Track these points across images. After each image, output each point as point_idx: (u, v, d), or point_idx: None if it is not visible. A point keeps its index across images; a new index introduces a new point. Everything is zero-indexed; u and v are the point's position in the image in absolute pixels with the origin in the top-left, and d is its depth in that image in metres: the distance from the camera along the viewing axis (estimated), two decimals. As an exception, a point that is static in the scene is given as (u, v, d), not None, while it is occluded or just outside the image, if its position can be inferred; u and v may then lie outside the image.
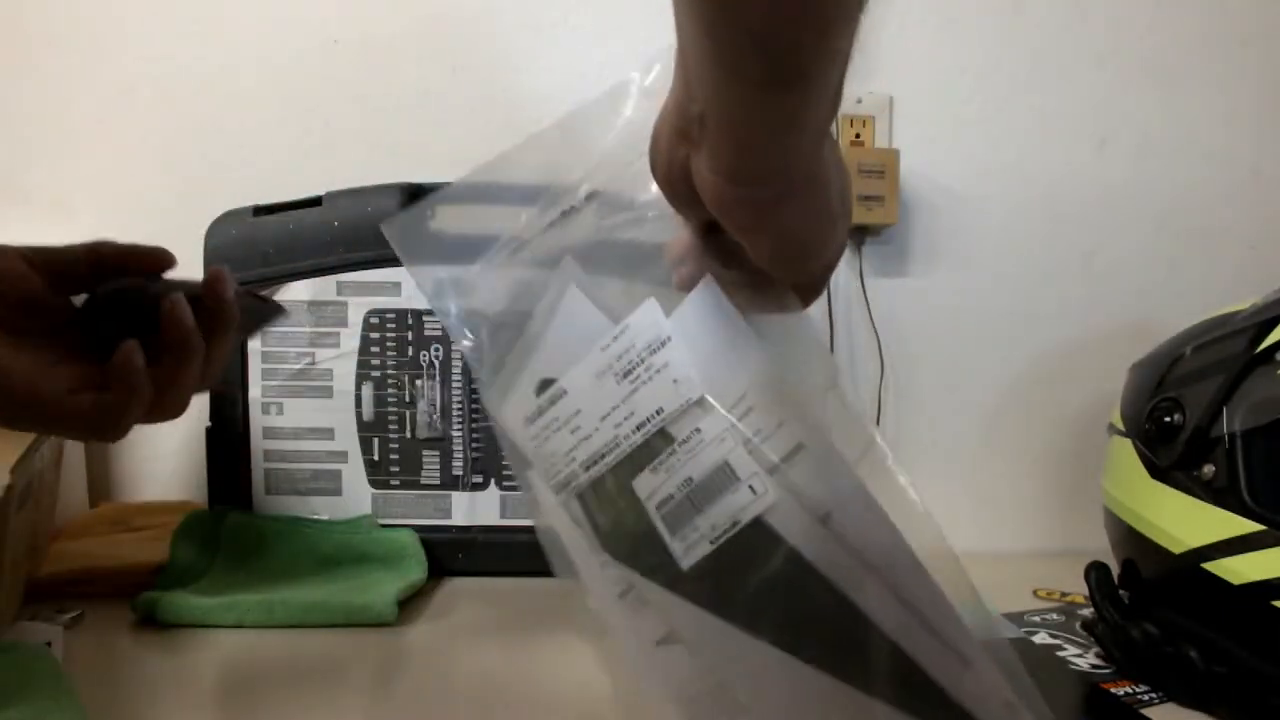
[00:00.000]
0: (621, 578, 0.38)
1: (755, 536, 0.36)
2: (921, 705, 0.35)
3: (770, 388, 0.38)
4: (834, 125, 0.94)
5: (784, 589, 0.36)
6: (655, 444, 0.38)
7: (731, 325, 0.38)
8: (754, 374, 0.38)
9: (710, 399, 0.37)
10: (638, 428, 0.38)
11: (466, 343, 0.43)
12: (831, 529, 0.36)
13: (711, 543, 0.37)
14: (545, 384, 0.41)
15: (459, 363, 0.78)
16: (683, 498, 0.37)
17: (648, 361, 0.38)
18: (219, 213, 0.77)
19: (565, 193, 0.43)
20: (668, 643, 0.38)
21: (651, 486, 0.38)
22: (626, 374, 0.39)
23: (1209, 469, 0.54)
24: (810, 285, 0.39)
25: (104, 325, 0.44)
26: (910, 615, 0.36)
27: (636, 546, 0.38)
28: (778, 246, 0.35)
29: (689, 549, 0.37)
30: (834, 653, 0.36)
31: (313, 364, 0.78)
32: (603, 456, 0.39)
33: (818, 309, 0.94)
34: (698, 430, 0.37)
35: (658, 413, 0.38)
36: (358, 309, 0.77)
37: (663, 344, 0.38)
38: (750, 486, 0.36)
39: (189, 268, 0.78)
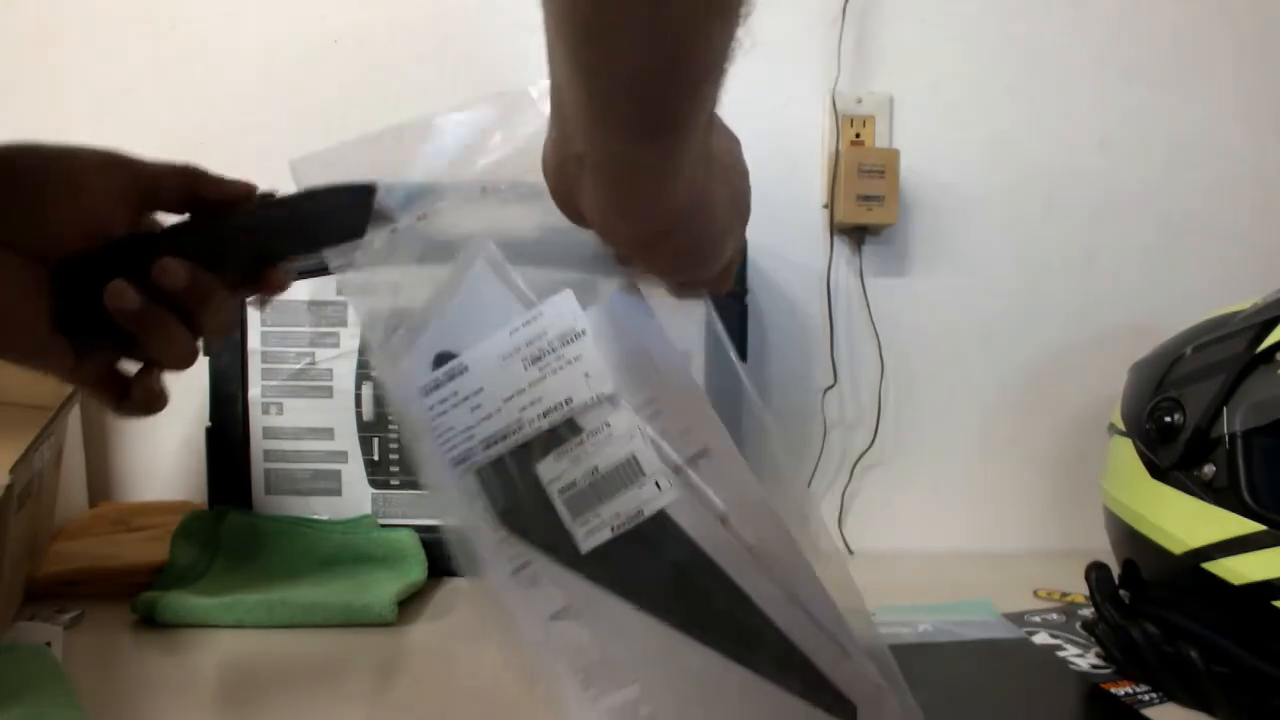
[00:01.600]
0: (517, 554, 0.39)
1: (656, 528, 0.38)
2: (802, 685, 0.38)
3: (679, 393, 0.39)
4: (838, 128, 0.91)
5: (680, 575, 0.38)
6: (561, 432, 0.39)
7: (645, 329, 0.40)
8: (665, 379, 0.39)
9: (621, 398, 0.38)
10: (544, 414, 0.39)
11: (365, 304, 0.42)
12: (730, 530, 0.38)
13: (613, 530, 0.38)
14: (443, 357, 0.40)
15: (459, 363, 0.78)
16: (587, 486, 0.38)
17: (560, 352, 0.39)
18: (219, 213, 0.77)
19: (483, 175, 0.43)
20: (561, 618, 0.39)
21: (555, 471, 0.39)
22: (536, 360, 0.39)
23: (1209, 469, 0.54)
24: (715, 281, 0.40)
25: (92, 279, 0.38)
26: (797, 609, 0.38)
27: (536, 525, 0.39)
28: (670, 266, 0.37)
29: (590, 534, 0.38)
30: (725, 634, 0.38)
31: (313, 364, 0.78)
32: (505, 437, 0.39)
33: (818, 309, 0.94)
34: (607, 425, 0.38)
35: (566, 402, 0.38)
36: (358, 309, 0.77)
37: (576, 336, 0.39)
38: (656, 483, 0.38)
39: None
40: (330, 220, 0.43)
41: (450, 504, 0.41)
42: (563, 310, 0.39)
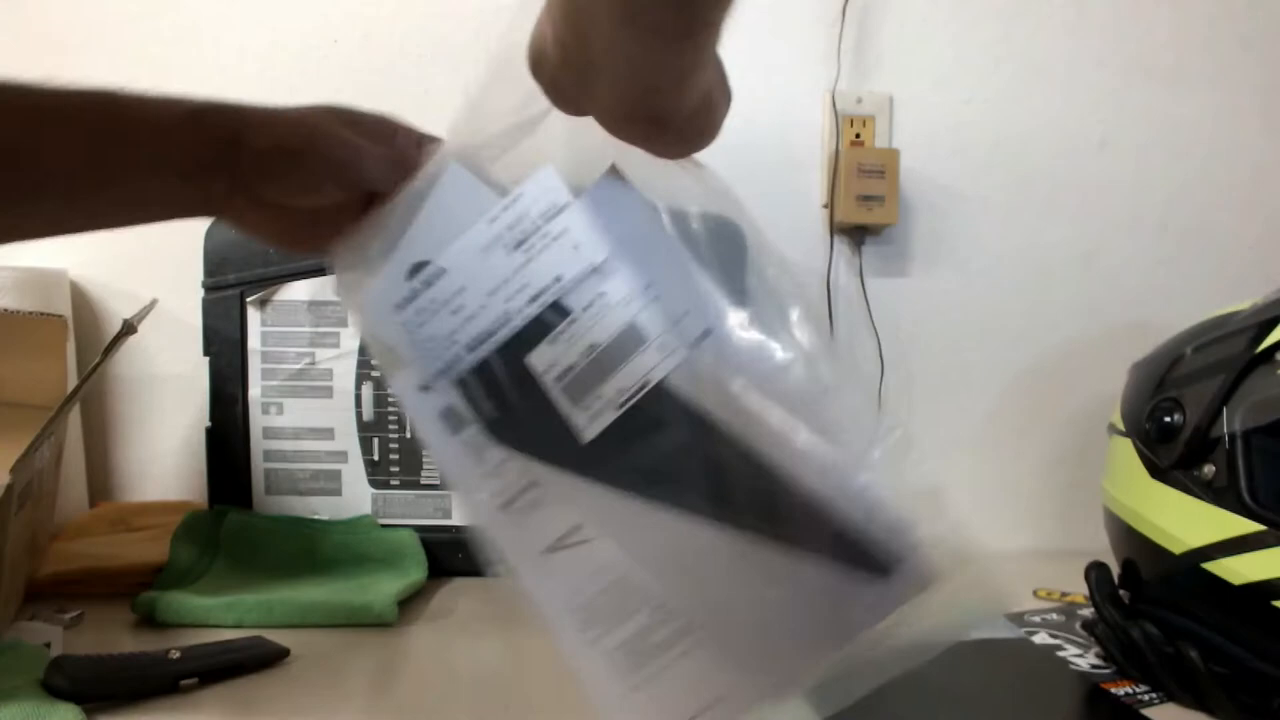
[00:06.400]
0: (506, 485, 0.37)
1: (663, 402, 0.35)
2: (834, 548, 0.35)
3: (678, 275, 0.36)
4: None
5: (694, 447, 0.35)
6: (549, 317, 0.36)
7: (633, 213, 0.37)
8: (660, 262, 0.36)
9: (616, 266, 0.36)
10: (533, 299, 0.36)
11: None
12: (745, 397, 0.35)
13: (618, 408, 0.35)
14: (418, 267, 0.38)
15: (459, 363, 0.78)
16: (585, 365, 0.36)
17: (544, 229, 0.36)
18: (219, 213, 0.77)
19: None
20: (564, 545, 0.37)
21: (550, 358, 0.36)
22: (519, 244, 0.37)
23: (1209, 469, 0.54)
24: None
25: None
26: (822, 468, 0.35)
27: (531, 427, 0.36)
28: (676, 152, 0.36)
29: (593, 418, 0.36)
30: (752, 509, 0.35)
31: (313, 364, 0.78)
32: (491, 334, 0.37)
33: (818, 309, 0.94)
34: (601, 294, 0.36)
35: (556, 280, 0.36)
36: (358, 309, 0.77)
37: (561, 209, 0.36)
38: (660, 345, 0.35)
39: (189, 268, 0.78)
40: None
41: (429, 438, 0.38)
42: (545, 186, 0.37)
